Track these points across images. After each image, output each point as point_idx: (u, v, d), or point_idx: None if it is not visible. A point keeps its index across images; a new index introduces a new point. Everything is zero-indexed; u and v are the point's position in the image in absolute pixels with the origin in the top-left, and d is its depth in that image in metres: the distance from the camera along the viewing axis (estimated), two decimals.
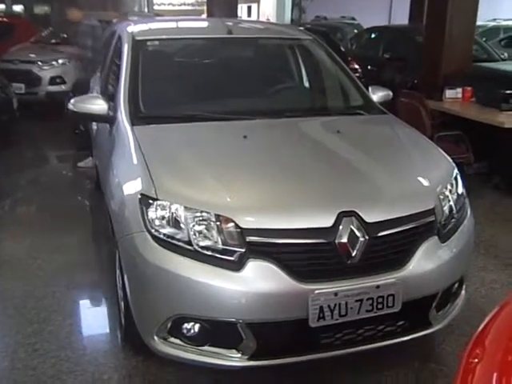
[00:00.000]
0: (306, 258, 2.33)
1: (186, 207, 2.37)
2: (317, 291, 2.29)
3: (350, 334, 2.43)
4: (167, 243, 2.36)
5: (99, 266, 3.86)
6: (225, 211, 2.34)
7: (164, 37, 3.71)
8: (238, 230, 2.30)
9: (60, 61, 8.65)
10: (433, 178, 2.70)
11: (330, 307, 2.32)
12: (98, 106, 3.24)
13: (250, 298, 2.28)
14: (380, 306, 2.40)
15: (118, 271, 2.85)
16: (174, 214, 2.38)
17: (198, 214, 2.36)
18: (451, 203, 2.66)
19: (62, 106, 5.64)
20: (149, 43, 3.62)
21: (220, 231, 2.33)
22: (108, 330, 3.13)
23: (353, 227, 2.36)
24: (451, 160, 2.95)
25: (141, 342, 2.52)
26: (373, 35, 10.37)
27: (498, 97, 5.68)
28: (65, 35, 8.86)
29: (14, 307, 3.30)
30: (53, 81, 8.57)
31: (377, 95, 3.63)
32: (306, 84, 3.79)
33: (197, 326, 2.39)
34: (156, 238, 2.37)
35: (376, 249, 2.39)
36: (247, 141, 2.85)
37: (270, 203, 2.41)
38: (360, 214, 2.38)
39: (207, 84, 3.47)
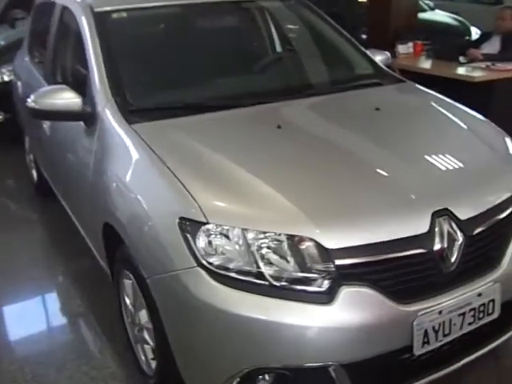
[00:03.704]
0: (403, 274, 1.89)
1: (246, 229, 1.84)
2: (420, 312, 1.87)
3: (450, 350, 2.04)
4: (231, 280, 1.81)
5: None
6: (300, 229, 1.83)
7: (130, 6, 2.98)
8: (323, 251, 1.81)
9: None
10: (504, 156, 2.34)
11: (434, 329, 1.92)
12: (69, 100, 2.54)
13: (348, 335, 1.81)
14: (481, 316, 2.03)
15: (139, 315, 2.27)
16: (234, 241, 1.84)
17: (266, 237, 1.83)
18: None
19: None
20: (114, 15, 2.90)
21: (298, 256, 1.82)
22: None
23: (449, 229, 1.95)
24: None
25: None
26: None
27: (454, 50, 5.51)
28: None
29: None
30: None
31: (377, 60, 3.21)
32: (310, 53, 3.25)
33: (273, 377, 1.90)
34: (214, 275, 1.82)
35: (472, 249, 2.00)
36: (284, 131, 2.32)
37: (353, 212, 1.92)
38: (453, 211, 1.98)
39: (201, 61, 2.84)
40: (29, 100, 2.57)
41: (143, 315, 2.26)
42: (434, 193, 2.03)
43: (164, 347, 2.07)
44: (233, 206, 1.92)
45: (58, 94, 2.56)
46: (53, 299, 3.22)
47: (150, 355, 2.29)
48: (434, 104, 2.80)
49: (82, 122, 2.62)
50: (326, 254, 1.80)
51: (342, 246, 1.81)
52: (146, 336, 2.28)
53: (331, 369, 1.86)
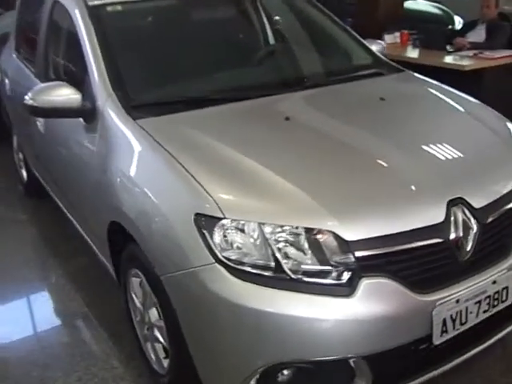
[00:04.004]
0: (420, 264, 1.88)
1: (263, 223, 1.81)
2: (439, 302, 1.87)
3: (465, 337, 2.05)
4: (250, 275, 1.79)
5: None
6: (318, 221, 1.81)
7: None
8: (342, 243, 1.79)
9: None
10: (509, 142, 2.34)
11: (452, 318, 1.91)
12: (68, 96, 2.47)
13: (369, 327, 1.79)
14: (495, 303, 2.04)
15: (149, 313, 2.23)
16: (251, 235, 1.81)
17: (283, 231, 1.81)
18: None
19: None
20: (109, 8, 2.84)
21: (317, 249, 1.80)
22: None
23: (464, 217, 1.95)
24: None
25: None
26: None
27: (442, 39, 5.53)
28: None
29: None
30: None
31: (373, 49, 3.19)
32: (312, 44, 3.21)
33: (293, 372, 1.88)
34: (233, 270, 1.79)
35: (486, 238, 2.00)
36: (293, 123, 2.29)
37: (371, 203, 1.90)
38: (467, 199, 1.97)
39: (202, 53, 2.78)
40: (26, 98, 2.49)
41: (153, 313, 2.23)
42: (449, 182, 2.03)
43: (179, 345, 2.04)
44: (248, 200, 1.89)
45: (56, 91, 2.49)
46: (53, 301, 3.16)
47: (162, 354, 2.26)
48: (436, 92, 2.80)
49: (80, 119, 2.56)
50: (346, 246, 1.79)
51: (362, 238, 1.80)
52: (158, 334, 2.24)
53: (352, 361, 1.85)
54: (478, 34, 5.77)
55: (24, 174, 4.38)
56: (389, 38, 5.82)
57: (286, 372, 1.87)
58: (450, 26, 7.65)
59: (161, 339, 2.23)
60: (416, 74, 3.00)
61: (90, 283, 3.23)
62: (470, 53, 5.21)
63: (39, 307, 3.12)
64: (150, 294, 2.19)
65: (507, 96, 5.04)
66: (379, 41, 3.33)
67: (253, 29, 3.21)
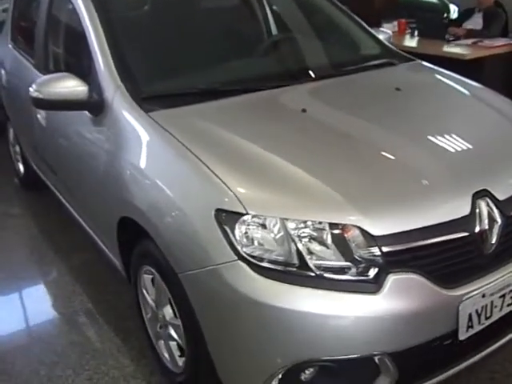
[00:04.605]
0: (447, 258, 1.83)
1: (286, 219, 1.76)
2: (466, 296, 1.83)
3: (490, 330, 2.01)
4: (273, 272, 1.73)
5: None
6: (344, 216, 1.76)
7: None
8: (369, 238, 1.74)
9: None
10: None
11: (477, 312, 1.88)
12: (74, 88, 2.39)
13: (396, 324, 1.75)
14: None
15: (163, 311, 2.18)
16: (273, 231, 1.76)
17: (307, 226, 1.75)
18: None
19: None
20: None
21: (343, 245, 1.75)
22: None
23: (489, 210, 1.91)
24: None
25: None
26: None
27: (441, 28, 5.50)
28: None
29: None
30: None
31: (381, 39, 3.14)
32: (325, 34, 3.12)
33: (316, 370, 1.83)
34: (256, 268, 1.74)
35: (510, 230, 1.97)
36: (310, 115, 2.22)
37: (397, 197, 1.85)
38: (491, 191, 1.93)
39: (214, 43, 2.70)
40: (31, 89, 2.40)
41: (168, 311, 2.18)
42: (473, 174, 1.99)
43: (197, 344, 1.99)
44: (271, 195, 1.83)
45: (62, 82, 2.40)
46: (56, 297, 3.08)
47: (177, 352, 2.21)
48: (450, 82, 2.76)
49: (86, 112, 2.48)
50: (373, 241, 1.74)
51: (389, 233, 1.75)
52: (172, 332, 2.19)
53: (377, 358, 1.81)
54: (476, 22, 5.76)
55: (21, 167, 4.28)
56: (387, 27, 5.75)
57: (309, 371, 1.83)
58: (446, 15, 7.61)
59: (176, 337, 2.18)
60: (426, 63, 2.95)
61: (95, 279, 3.17)
62: (469, 41, 5.20)
63: (42, 305, 3.04)
64: (165, 292, 2.13)
65: (507, 84, 5.03)
66: (386, 30, 3.26)
67: (264, 18, 3.12)
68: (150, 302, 2.32)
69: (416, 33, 5.73)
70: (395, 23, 5.86)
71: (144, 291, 2.35)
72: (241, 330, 1.83)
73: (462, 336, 1.87)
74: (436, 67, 2.92)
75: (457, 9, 7.70)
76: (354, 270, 1.74)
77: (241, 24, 2.98)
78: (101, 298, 2.98)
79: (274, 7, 3.18)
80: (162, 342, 2.32)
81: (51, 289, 3.19)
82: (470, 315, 1.86)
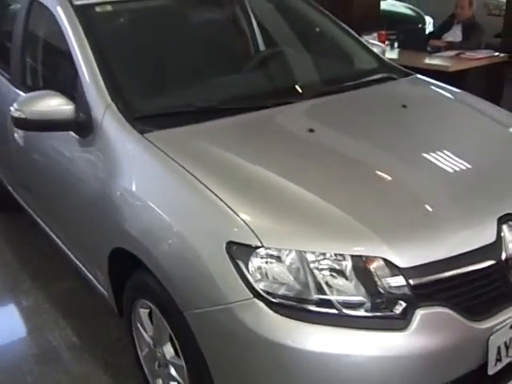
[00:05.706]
0: (474, 288, 1.71)
1: (305, 251, 1.61)
2: (495, 328, 1.71)
3: None
4: (293, 310, 1.58)
5: None
6: (367, 247, 1.63)
7: None
8: (395, 270, 1.61)
9: None
10: None
11: (506, 344, 1.76)
12: (60, 107, 2.20)
13: (424, 362, 1.62)
14: None
15: (162, 349, 2.00)
16: (292, 266, 1.61)
17: (327, 259, 1.61)
18: None
19: None
20: (97, 9, 2.56)
21: (367, 278, 1.61)
22: None
23: None
24: None
25: None
26: None
27: (423, 40, 5.49)
28: None
29: None
30: None
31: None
32: (324, 49, 2.98)
33: None
34: (274, 306, 1.58)
35: None
36: (318, 136, 2.08)
37: (422, 225, 1.72)
38: None
39: (208, 58, 2.53)
40: (12, 109, 2.21)
41: (168, 350, 2.00)
42: (497, 198, 1.87)
43: None
44: (287, 226, 1.68)
45: (46, 100, 2.21)
46: (35, 329, 2.85)
47: None
48: (453, 97, 2.67)
49: (71, 132, 2.30)
50: (399, 273, 1.61)
51: (416, 264, 1.62)
52: (173, 373, 2.02)
53: None
54: (455, 35, 5.77)
55: None
56: (367, 39, 5.73)
57: None
58: (420, 26, 7.66)
59: (178, 378, 2.00)
60: (425, 78, 2.86)
61: (78, 309, 2.95)
62: (452, 53, 5.17)
63: (19, 337, 2.81)
64: (165, 328, 1.96)
65: (489, 96, 5.02)
66: (379, 43, 3.16)
67: (262, 33, 2.97)
68: (147, 338, 2.14)
69: (396, 44, 5.71)
70: (375, 35, 5.80)
71: (139, 326, 2.17)
72: (256, 372, 1.67)
73: (491, 371, 1.75)
74: (437, 82, 2.82)
75: (432, 21, 7.76)
76: (379, 306, 1.61)
77: (238, 39, 2.83)
78: (86, 332, 2.76)
79: (272, 22, 3.05)
80: (160, 380, 2.14)
81: (27, 320, 2.95)
82: (499, 348, 1.74)
